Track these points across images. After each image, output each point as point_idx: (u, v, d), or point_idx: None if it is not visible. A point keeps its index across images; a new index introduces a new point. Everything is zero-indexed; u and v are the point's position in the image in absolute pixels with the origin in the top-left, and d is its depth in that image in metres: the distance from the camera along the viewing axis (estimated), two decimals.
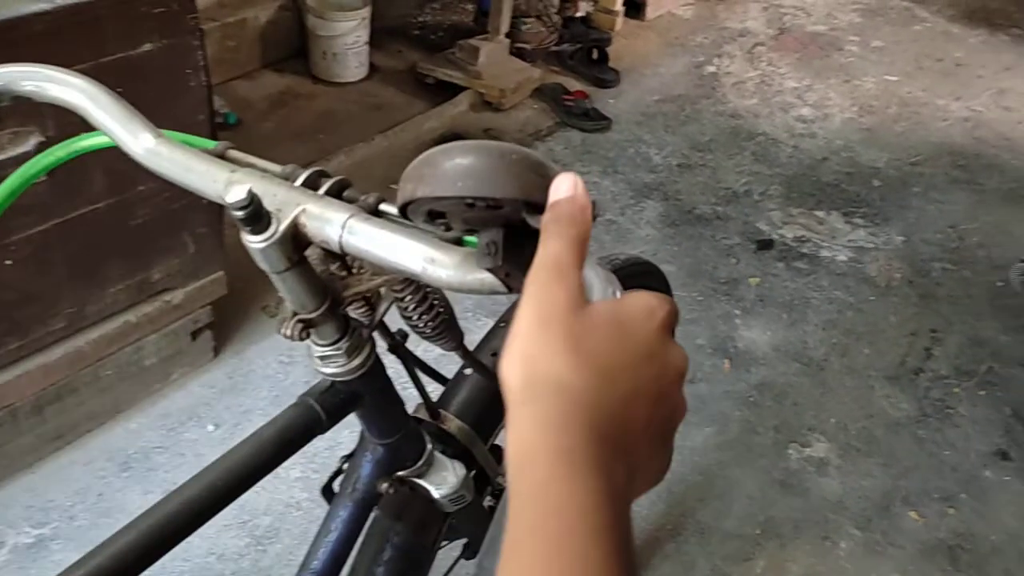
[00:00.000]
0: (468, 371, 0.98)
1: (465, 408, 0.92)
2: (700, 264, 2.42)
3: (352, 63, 2.96)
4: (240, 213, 0.55)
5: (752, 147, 2.98)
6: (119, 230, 1.64)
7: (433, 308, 0.71)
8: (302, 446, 0.69)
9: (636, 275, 1.21)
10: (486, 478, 0.95)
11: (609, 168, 2.78)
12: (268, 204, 0.59)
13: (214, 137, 1.76)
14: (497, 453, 1.00)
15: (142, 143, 0.63)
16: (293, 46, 3.02)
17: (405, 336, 0.77)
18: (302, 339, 0.64)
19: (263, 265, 0.60)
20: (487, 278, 0.52)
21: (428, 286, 0.69)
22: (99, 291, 1.66)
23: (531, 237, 0.48)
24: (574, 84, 3.15)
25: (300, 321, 0.64)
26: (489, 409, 0.94)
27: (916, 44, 3.84)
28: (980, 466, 1.95)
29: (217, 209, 1.85)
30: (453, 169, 0.47)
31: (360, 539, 0.85)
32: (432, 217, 0.52)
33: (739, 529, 1.75)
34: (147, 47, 1.49)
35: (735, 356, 2.13)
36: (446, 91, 2.96)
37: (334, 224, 0.57)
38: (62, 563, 1.56)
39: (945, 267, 2.52)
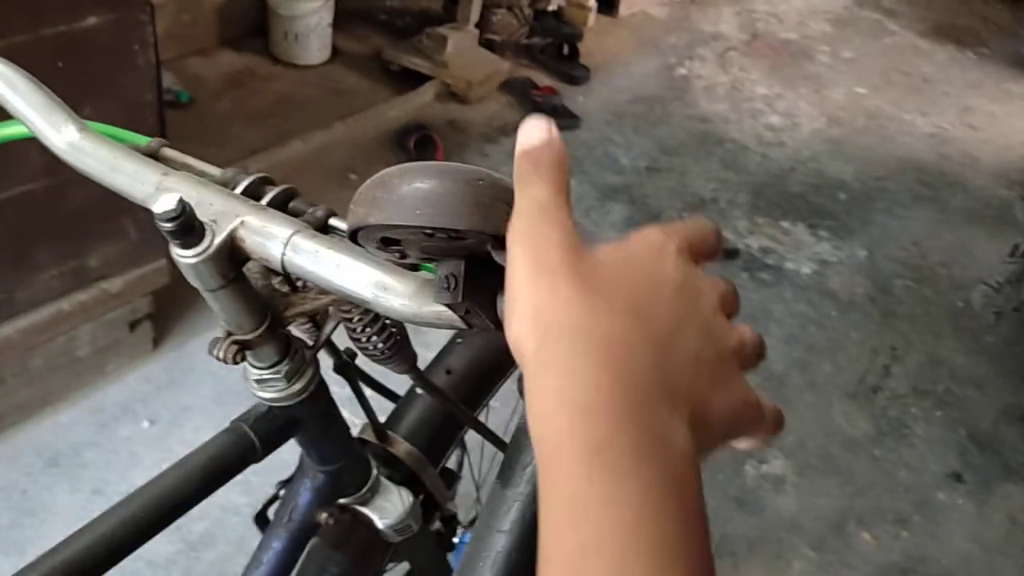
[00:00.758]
0: (418, 390, 0.91)
1: (415, 430, 0.85)
2: None
3: (314, 45, 2.86)
4: (168, 225, 0.48)
5: (721, 153, 2.95)
6: (54, 213, 1.53)
7: (385, 329, 0.64)
8: (234, 476, 0.62)
9: None
10: (435, 504, 0.89)
11: (576, 168, 2.72)
12: (203, 214, 0.52)
13: (162, 119, 1.67)
14: (448, 477, 0.94)
15: (64, 136, 0.56)
16: (253, 24, 2.90)
17: (354, 355, 0.70)
18: (236, 362, 0.57)
19: (194, 282, 0.52)
20: (444, 311, 0.45)
21: None
22: (30, 277, 1.55)
23: (495, 270, 0.43)
24: (543, 79, 3.09)
25: (235, 343, 0.57)
26: (440, 431, 0.88)
27: (885, 57, 3.84)
28: (934, 487, 1.93)
29: None
30: (412, 194, 0.40)
31: (295, 570, 0.78)
32: (386, 244, 0.45)
33: None
34: (91, 20, 1.39)
35: None
36: (411, 79, 2.88)
37: (276, 240, 0.50)
38: None
39: (907, 284, 2.51)
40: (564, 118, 2.90)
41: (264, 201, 0.54)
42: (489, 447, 0.98)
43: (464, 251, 0.43)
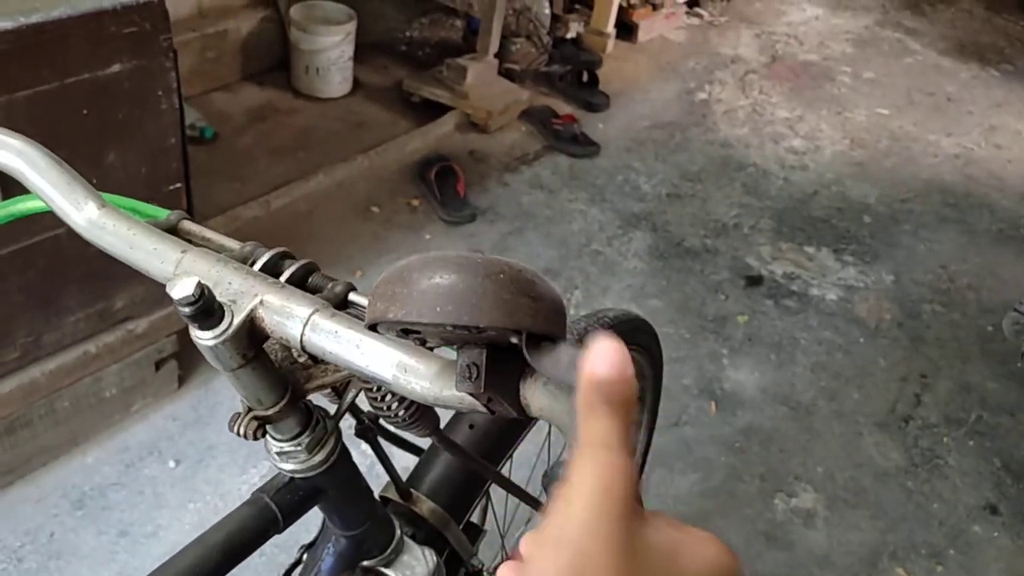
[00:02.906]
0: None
1: (438, 487, 0.84)
2: (688, 300, 2.36)
3: (335, 78, 2.89)
4: (187, 309, 0.48)
5: (742, 178, 2.93)
6: (79, 257, 1.55)
7: (406, 398, 0.63)
8: (255, 549, 0.61)
9: (626, 332, 1.14)
10: (459, 560, 0.88)
11: (597, 196, 2.72)
12: (221, 293, 0.52)
13: (186, 161, 1.69)
14: (472, 531, 0.93)
15: (84, 214, 0.56)
16: (275, 59, 2.94)
17: (376, 418, 0.69)
18: (256, 438, 0.57)
19: (214, 363, 0.52)
20: (465, 398, 0.45)
21: None
22: (57, 320, 1.57)
23: (517, 357, 0.43)
24: (563, 107, 3.09)
25: (256, 419, 0.56)
26: (463, 487, 0.87)
27: (907, 77, 3.81)
28: (968, 520, 1.89)
29: None
30: (432, 291, 0.40)
31: None
32: (406, 332, 0.45)
33: None
34: (116, 68, 1.41)
35: (721, 398, 2.07)
36: (432, 110, 2.89)
37: (295, 320, 0.50)
38: None
39: (935, 309, 2.47)
40: (584, 146, 2.90)
41: (283, 278, 0.54)
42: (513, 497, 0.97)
43: (486, 340, 0.43)
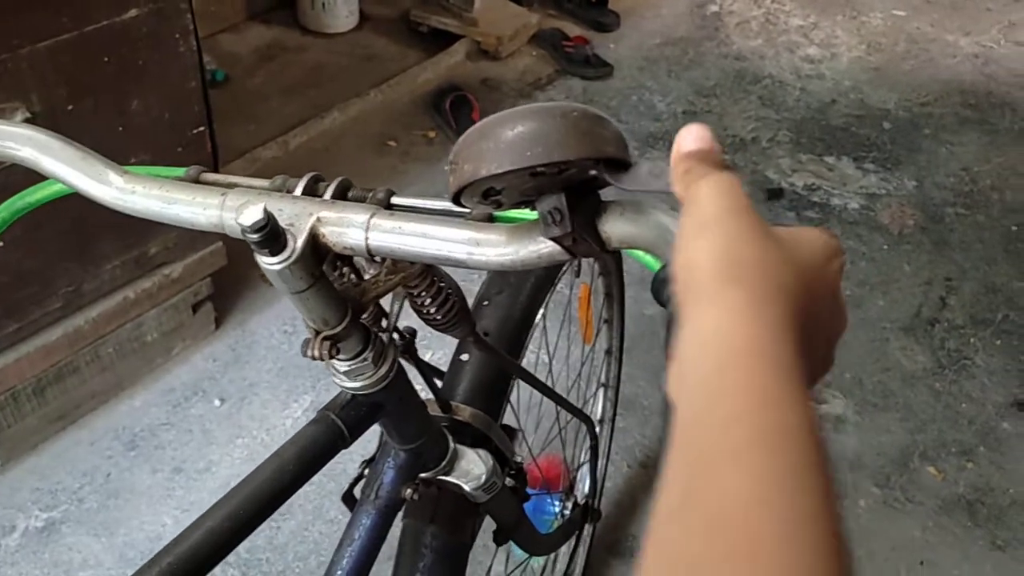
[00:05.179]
0: (464, 357, 0.94)
1: (473, 393, 0.88)
2: None
3: (342, 12, 2.86)
4: (257, 236, 0.50)
5: (758, 91, 2.90)
6: None
7: (449, 298, 0.66)
8: (325, 464, 0.64)
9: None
10: (504, 459, 0.92)
11: (612, 117, 2.67)
12: (279, 221, 0.54)
13: (207, 104, 1.69)
14: (509, 432, 0.97)
15: (110, 186, 0.57)
16: None
17: (414, 333, 0.72)
18: (332, 357, 0.59)
19: (283, 287, 0.55)
20: (544, 249, 0.49)
21: (440, 276, 0.64)
22: (95, 268, 1.60)
23: (589, 196, 0.46)
24: (573, 29, 3.05)
25: (326, 339, 0.59)
26: (494, 389, 0.92)
27: None
28: (997, 418, 1.92)
29: None
30: (518, 139, 0.43)
31: (397, 551, 0.81)
32: (485, 196, 0.48)
33: None
34: (133, 12, 1.41)
35: None
36: (441, 40, 2.86)
37: (356, 228, 0.53)
38: (75, 546, 1.55)
39: (958, 212, 2.47)
40: (596, 67, 2.87)
41: (327, 195, 0.56)
42: (526, 395, 1.02)
43: (563, 183, 0.45)
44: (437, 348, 1.76)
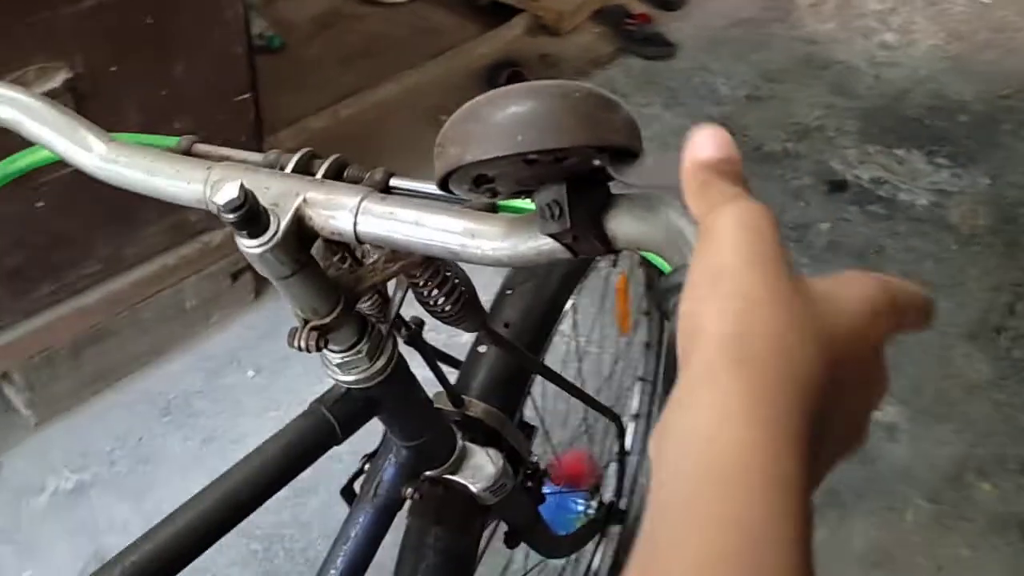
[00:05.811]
0: (482, 348, 0.89)
1: (487, 389, 0.83)
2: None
3: None
4: (233, 216, 0.46)
5: (828, 77, 2.77)
6: None
7: (455, 289, 0.61)
8: (313, 461, 0.61)
9: None
10: (518, 458, 0.87)
11: (671, 99, 2.61)
12: (262, 200, 0.49)
13: (253, 70, 1.67)
14: (526, 429, 0.92)
15: (94, 153, 0.54)
16: None
17: (422, 323, 0.68)
18: (319, 349, 0.55)
19: (266, 272, 0.51)
20: (544, 245, 0.43)
21: (446, 264, 0.59)
22: (136, 233, 1.60)
23: (595, 189, 0.41)
24: (637, 6, 2.95)
25: (314, 329, 0.55)
26: (511, 384, 0.86)
27: None
28: None
29: (256, 146, 1.76)
30: (509, 120, 0.37)
31: (399, 550, 0.78)
32: (477, 184, 0.43)
33: None
34: None
35: None
36: (500, 13, 2.80)
37: (344, 210, 0.48)
38: (102, 510, 1.55)
39: None
40: (659, 46, 2.78)
41: (319, 174, 0.52)
42: (550, 392, 0.96)
43: (564, 173, 0.40)
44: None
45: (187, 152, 0.57)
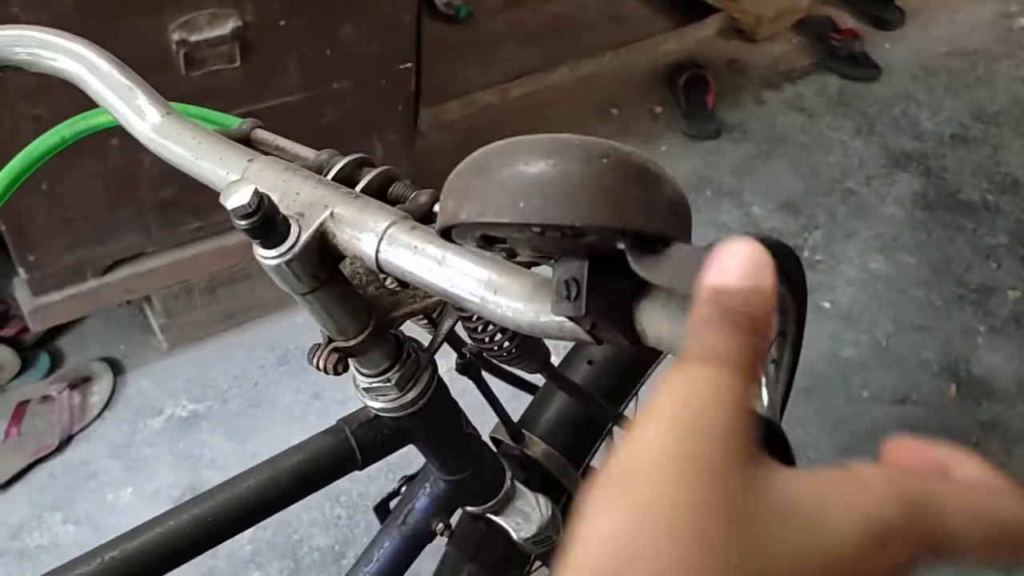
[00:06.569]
0: None
1: (554, 429, 0.76)
2: (950, 262, 2.04)
3: None
4: (244, 223, 0.42)
5: None
6: (308, 127, 1.58)
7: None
8: (329, 483, 0.57)
9: None
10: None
11: (865, 127, 2.40)
12: (288, 207, 0.45)
13: (418, 42, 1.65)
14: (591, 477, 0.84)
15: (147, 122, 0.51)
16: None
17: (479, 353, 0.61)
18: (338, 373, 0.51)
19: (281, 286, 0.46)
20: (566, 323, 0.36)
21: None
22: None
23: (629, 270, 0.33)
24: (847, 20, 2.73)
25: (336, 351, 0.50)
26: (582, 429, 0.79)
27: None
28: None
29: (411, 116, 1.75)
30: (513, 181, 0.32)
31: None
32: (488, 242, 0.36)
33: None
34: None
35: (966, 382, 1.79)
36: (695, 10, 2.67)
37: (370, 234, 0.43)
38: (208, 443, 1.60)
39: None
40: (862, 67, 2.56)
41: (359, 188, 0.46)
42: None
43: (588, 248, 0.33)
44: None
45: (245, 137, 0.53)
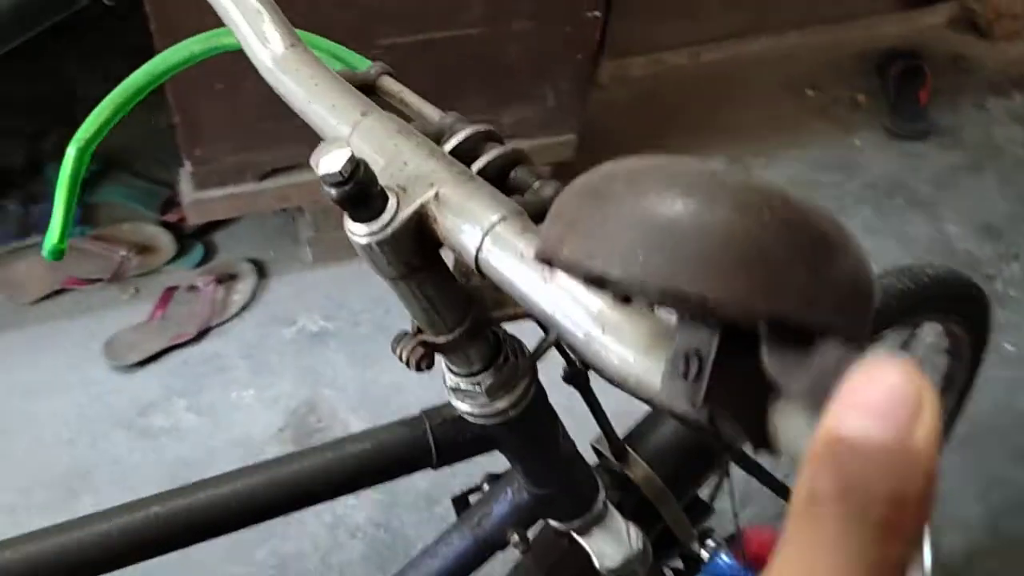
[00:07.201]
0: None
1: (661, 453, 0.69)
2: None
3: None
4: (334, 191, 0.36)
5: None
6: (482, 63, 1.53)
7: None
8: (398, 476, 0.52)
9: (942, 298, 0.85)
10: (674, 540, 0.72)
11: None
12: (391, 175, 0.39)
13: None
14: (697, 508, 0.76)
15: (269, 52, 0.46)
16: None
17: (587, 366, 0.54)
18: (421, 369, 0.45)
19: (371, 267, 0.41)
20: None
21: None
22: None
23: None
24: None
25: (423, 344, 0.44)
26: (691, 457, 0.71)
27: None
28: None
29: (590, 68, 1.67)
30: (635, 224, 0.24)
31: None
32: (596, 283, 0.29)
33: None
34: None
35: None
36: None
37: (474, 227, 0.36)
38: (332, 362, 1.62)
39: None
40: None
41: (476, 167, 0.39)
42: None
43: (718, 320, 0.25)
44: None
45: (369, 84, 0.48)
